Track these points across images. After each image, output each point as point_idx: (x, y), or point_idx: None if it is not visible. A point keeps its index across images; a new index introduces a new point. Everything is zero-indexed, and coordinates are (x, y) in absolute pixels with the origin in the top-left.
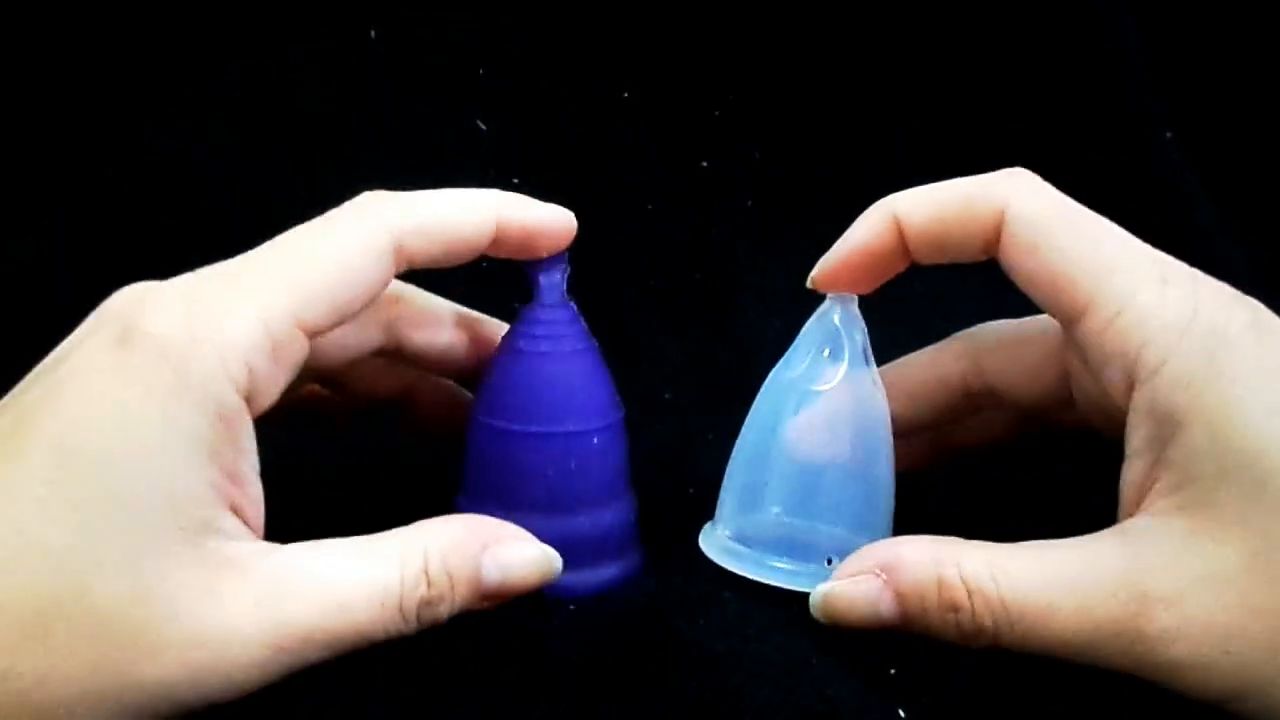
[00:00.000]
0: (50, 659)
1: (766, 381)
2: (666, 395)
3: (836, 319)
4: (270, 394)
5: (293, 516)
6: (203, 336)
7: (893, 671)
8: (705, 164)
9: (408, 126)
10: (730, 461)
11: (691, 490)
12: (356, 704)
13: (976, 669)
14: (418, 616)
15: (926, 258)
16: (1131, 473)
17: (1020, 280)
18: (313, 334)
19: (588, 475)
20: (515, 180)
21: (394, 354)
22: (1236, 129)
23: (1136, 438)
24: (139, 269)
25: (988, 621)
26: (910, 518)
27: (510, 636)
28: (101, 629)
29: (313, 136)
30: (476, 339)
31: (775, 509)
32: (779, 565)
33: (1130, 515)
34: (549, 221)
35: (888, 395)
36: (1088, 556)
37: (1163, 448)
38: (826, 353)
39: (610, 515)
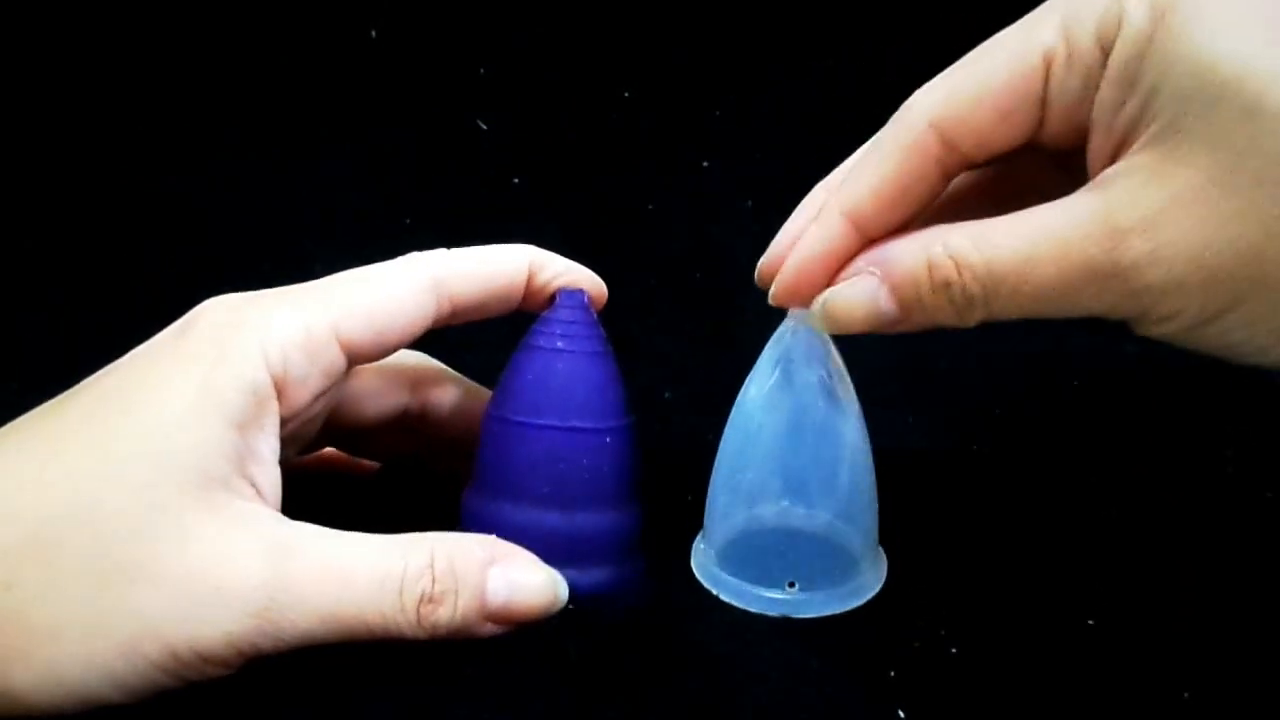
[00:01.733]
0: (52, 575)
1: (735, 404)
2: (666, 395)
3: (789, 338)
4: (302, 393)
5: (304, 516)
6: (248, 326)
7: (892, 672)
8: (705, 164)
9: (408, 126)
10: (713, 472)
11: (690, 497)
12: (356, 703)
13: (976, 669)
14: (418, 613)
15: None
16: (1096, 139)
17: (979, 129)
18: (350, 351)
19: (598, 473)
20: (515, 180)
21: (418, 417)
22: None
23: (1100, 105)
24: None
25: (977, 290)
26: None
27: (509, 635)
28: (106, 552)
29: (312, 135)
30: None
31: (764, 507)
32: (759, 593)
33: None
34: (583, 280)
35: (860, 216)
36: (1061, 209)
37: (1124, 100)
38: (778, 372)
39: (616, 518)
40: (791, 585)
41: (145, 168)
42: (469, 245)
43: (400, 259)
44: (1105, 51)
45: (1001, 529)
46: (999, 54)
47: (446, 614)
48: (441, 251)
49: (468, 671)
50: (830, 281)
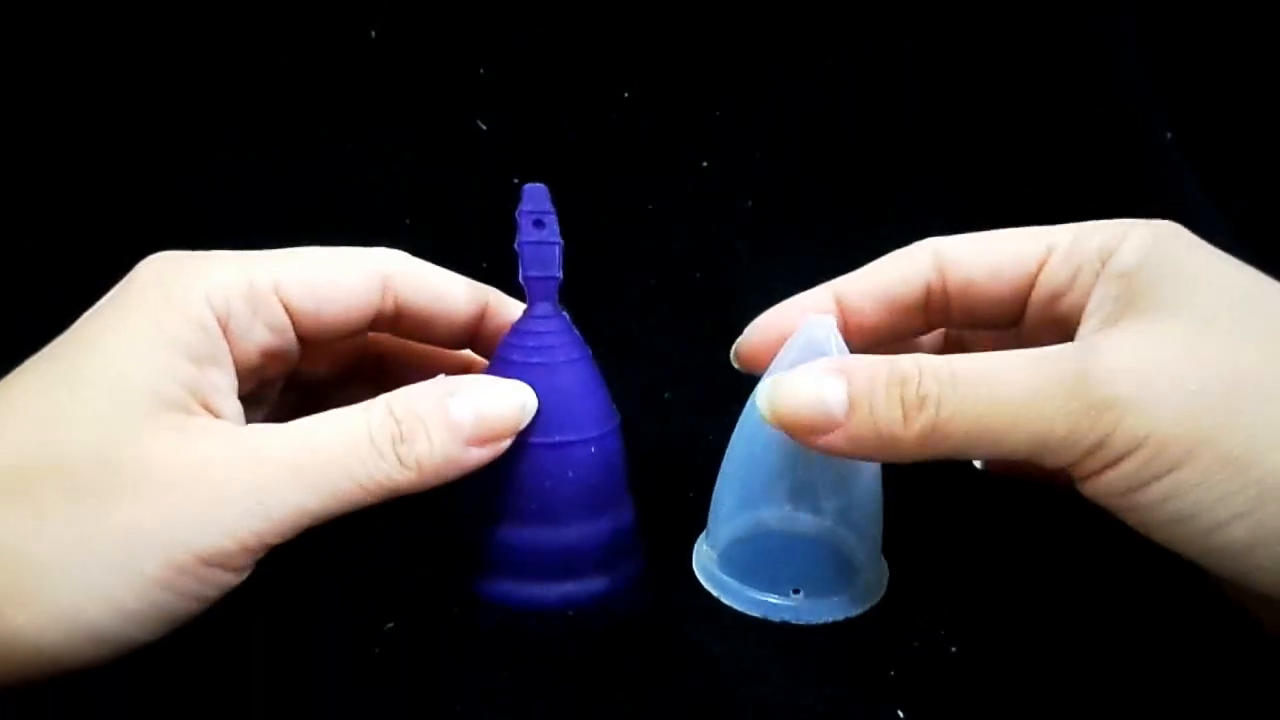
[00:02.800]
0: (35, 511)
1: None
2: (666, 395)
3: (818, 332)
4: (247, 345)
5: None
6: (190, 273)
7: (892, 672)
8: (705, 164)
9: (408, 126)
10: (720, 474)
11: (691, 494)
12: (356, 702)
13: (976, 669)
14: (397, 454)
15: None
16: (1091, 324)
17: (974, 287)
18: (293, 313)
19: (585, 484)
20: (515, 180)
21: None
22: (1236, 129)
23: (1096, 298)
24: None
25: (933, 388)
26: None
27: (510, 636)
28: (77, 481)
29: (313, 136)
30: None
31: (767, 510)
32: (761, 598)
33: None
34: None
35: (846, 299)
36: (1036, 350)
37: (1120, 298)
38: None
39: (609, 523)
40: (796, 591)
41: (146, 168)
42: (468, 246)
43: (360, 249)
44: (1104, 259)
45: (1002, 530)
46: (1006, 233)
47: (424, 448)
48: (404, 255)
49: (468, 672)
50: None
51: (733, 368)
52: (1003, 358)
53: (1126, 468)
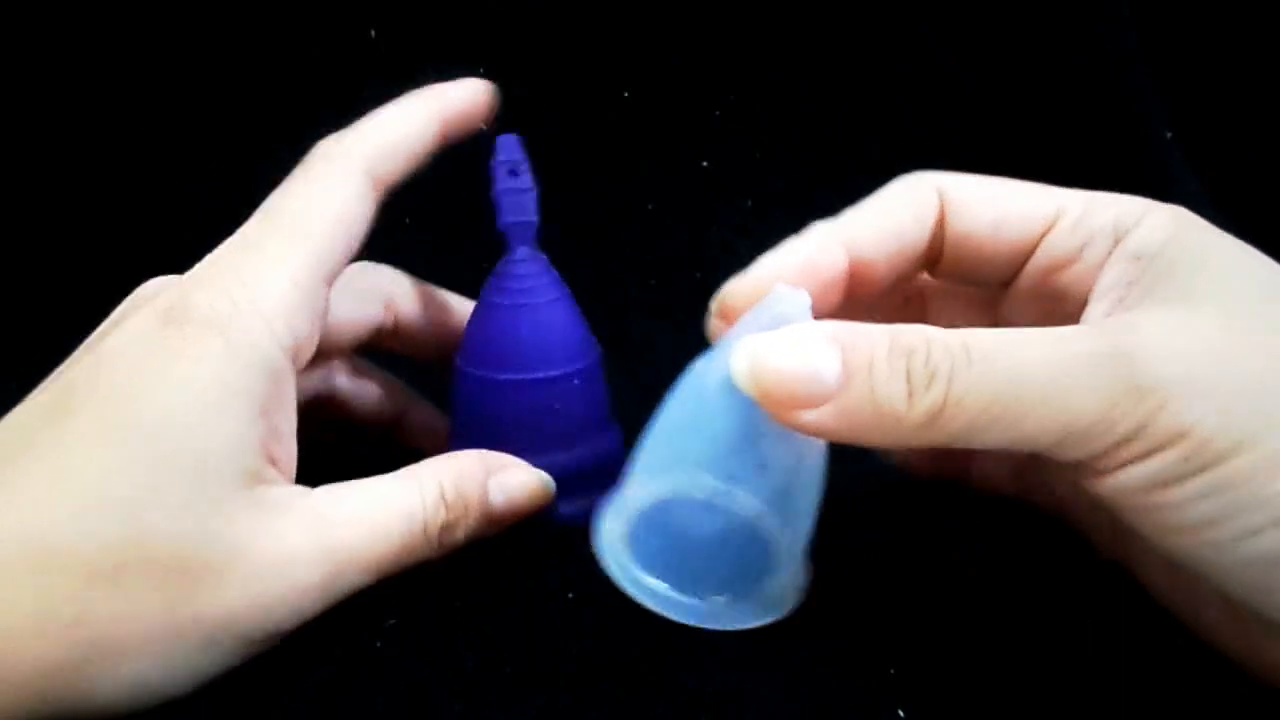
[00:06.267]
0: (121, 602)
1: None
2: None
3: (788, 309)
4: (309, 349)
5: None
6: (246, 306)
7: (892, 671)
8: (705, 164)
9: None
10: (647, 433)
11: None
12: (358, 696)
13: (976, 669)
14: (439, 540)
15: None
16: (1100, 307)
17: (972, 239)
18: (330, 282)
19: (572, 414)
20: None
21: (390, 333)
22: (1236, 129)
23: (1108, 279)
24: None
25: (945, 363)
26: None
27: (509, 628)
28: (167, 570)
29: (310, 135)
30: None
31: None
32: (656, 587)
33: None
34: (472, 94)
35: (858, 249)
36: (1057, 329)
37: (1135, 282)
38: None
39: (597, 445)
40: (718, 596)
41: (147, 168)
42: (469, 246)
43: (321, 158)
44: (1117, 238)
45: (1002, 528)
46: (1015, 185)
47: (462, 534)
48: (354, 133)
49: (467, 665)
50: None
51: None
52: (1021, 333)
53: (1161, 461)
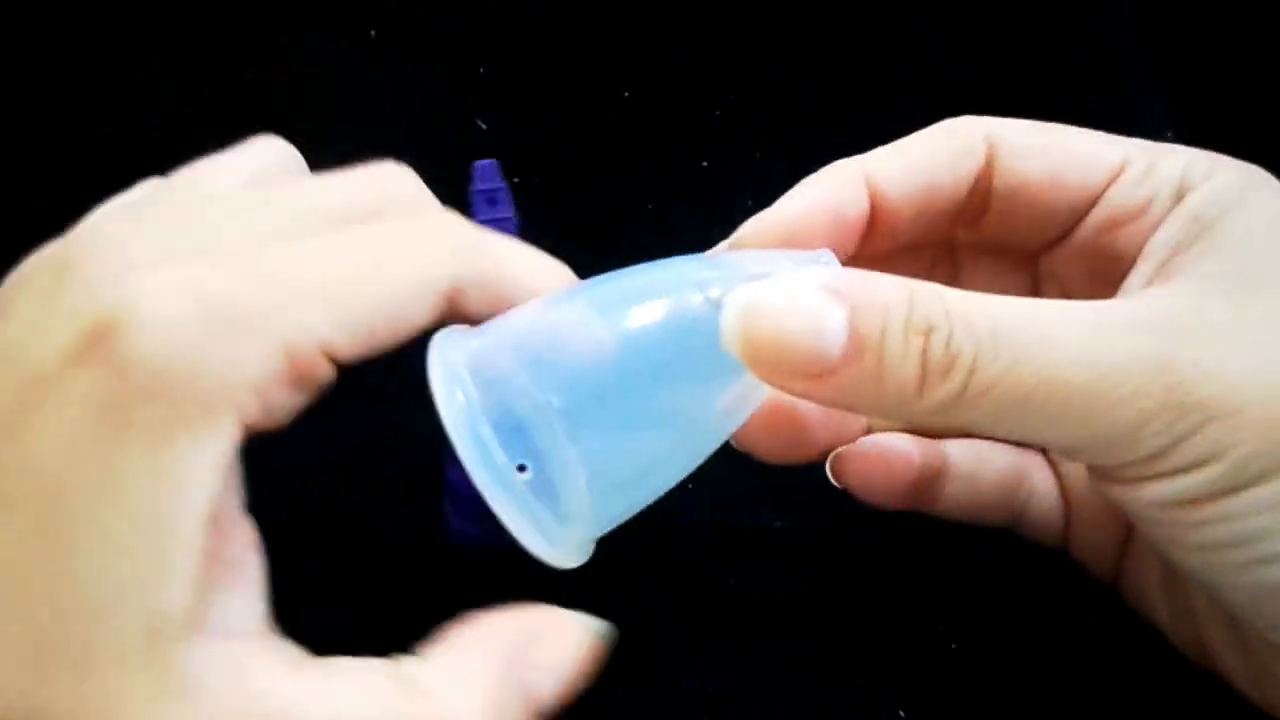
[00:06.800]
0: None
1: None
2: None
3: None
4: (277, 419)
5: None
6: (208, 359)
7: (893, 672)
8: (705, 164)
9: (407, 125)
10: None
11: (689, 486)
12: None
13: (976, 669)
14: None
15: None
16: (1143, 269)
17: (1025, 191)
18: (338, 363)
19: None
20: (515, 180)
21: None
22: (1236, 129)
23: (1159, 238)
24: None
25: (967, 346)
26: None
27: None
28: None
29: (311, 135)
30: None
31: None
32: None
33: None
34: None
35: (884, 192)
36: (1096, 305)
37: (1189, 245)
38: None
39: None
40: (522, 469)
41: (146, 167)
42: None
43: (415, 225)
44: (1180, 194)
45: (1002, 529)
46: (1075, 133)
47: None
48: (469, 232)
49: None
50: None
51: None
52: (1057, 317)
53: (1197, 479)
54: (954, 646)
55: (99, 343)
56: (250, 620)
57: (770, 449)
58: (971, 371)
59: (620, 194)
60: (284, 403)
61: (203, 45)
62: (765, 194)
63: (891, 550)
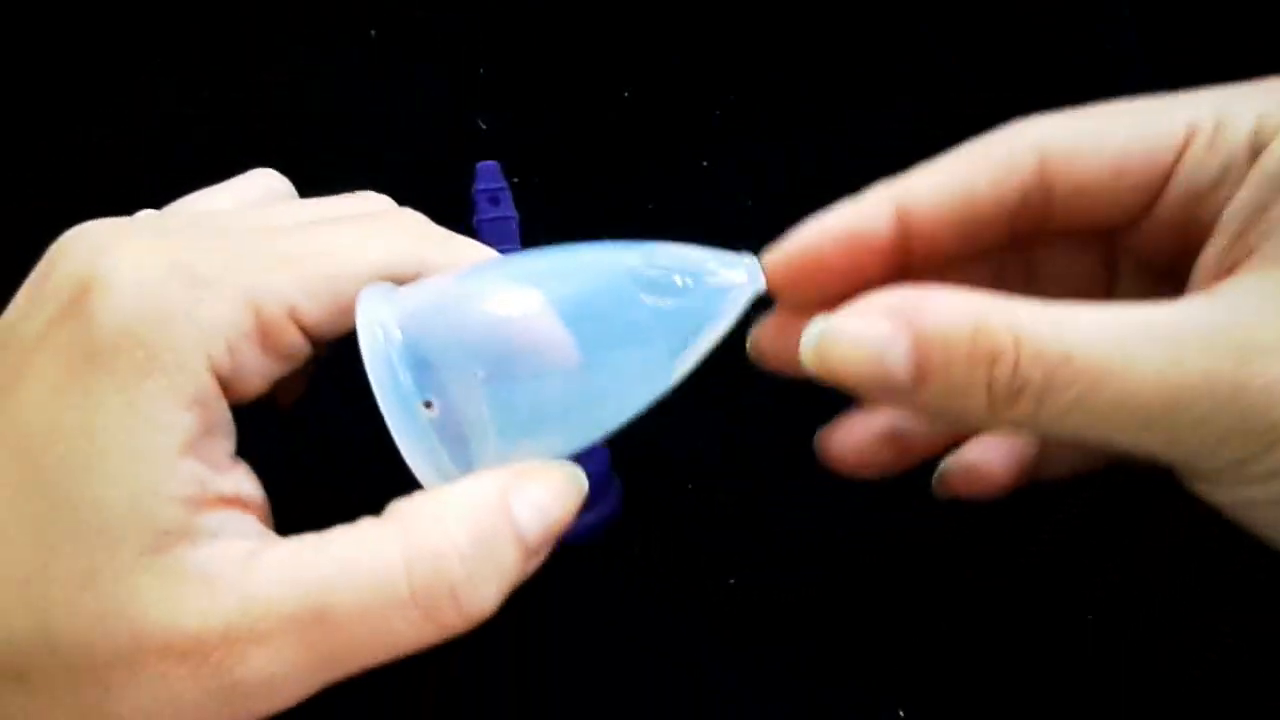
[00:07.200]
0: (32, 700)
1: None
2: None
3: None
4: (254, 382)
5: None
6: (178, 309)
7: (893, 673)
8: (705, 164)
9: (407, 125)
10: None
11: (690, 485)
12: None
13: (976, 669)
14: (442, 622)
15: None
16: (1217, 244)
17: (1089, 190)
18: (307, 332)
19: None
20: (515, 180)
21: None
22: None
23: (1235, 208)
24: None
25: (1036, 375)
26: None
27: (508, 627)
28: (71, 666)
29: (311, 135)
30: None
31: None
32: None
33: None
34: None
35: (914, 218)
36: (1171, 310)
37: (1268, 207)
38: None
39: (584, 460)
40: (428, 405)
41: (148, 168)
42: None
43: (394, 213)
44: (1255, 151)
45: (1001, 524)
46: (1129, 112)
47: (490, 590)
48: (432, 229)
49: (463, 664)
50: (844, 288)
51: (733, 367)
52: (1138, 331)
53: (1267, 488)
54: (953, 648)
55: (76, 303)
56: (252, 534)
57: (872, 467)
58: (1041, 400)
59: (620, 194)
60: (257, 363)
61: (203, 45)
62: (765, 194)
63: (892, 550)
